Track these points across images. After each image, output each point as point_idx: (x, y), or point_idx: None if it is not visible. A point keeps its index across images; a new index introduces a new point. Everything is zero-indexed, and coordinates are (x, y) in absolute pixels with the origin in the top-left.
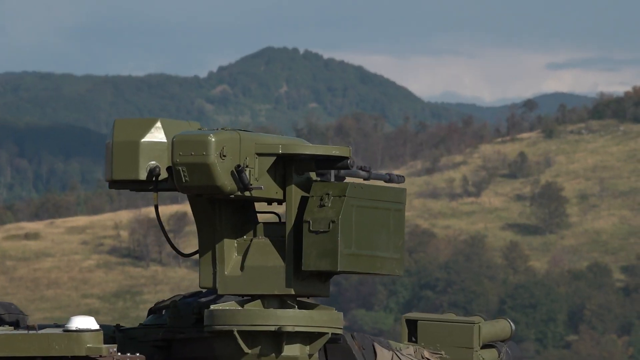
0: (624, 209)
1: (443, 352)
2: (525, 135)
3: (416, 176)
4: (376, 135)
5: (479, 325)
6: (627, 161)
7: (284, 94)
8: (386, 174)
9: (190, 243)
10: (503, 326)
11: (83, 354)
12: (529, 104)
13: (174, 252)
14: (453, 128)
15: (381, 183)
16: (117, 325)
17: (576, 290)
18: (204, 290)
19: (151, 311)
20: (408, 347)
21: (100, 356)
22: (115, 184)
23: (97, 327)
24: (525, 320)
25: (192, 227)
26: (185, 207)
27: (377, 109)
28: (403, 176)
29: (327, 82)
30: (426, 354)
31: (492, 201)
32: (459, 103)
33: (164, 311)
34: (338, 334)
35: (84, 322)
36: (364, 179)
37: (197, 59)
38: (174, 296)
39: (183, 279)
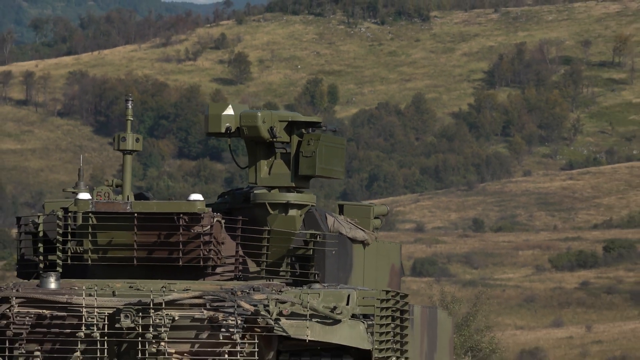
0: None
1: (356, 219)
2: None
3: None
4: None
5: (374, 207)
6: None
7: None
8: (335, 127)
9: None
10: (384, 208)
11: (195, 211)
12: None
13: None
14: None
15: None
16: None
17: None
18: (245, 188)
19: (219, 196)
20: (340, 216)
21: (204, 213)
22: (210, 134)
23: (202, 199)
24: None
25: None
26: None
27: None
28: (340, 128)
29: None
30: (349, 219)
31: None
32: None
33: (225, 196)
34: (313, 206)
35: (196, 196)
36: (325, 129)
37: None
38: (230, 189)
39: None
